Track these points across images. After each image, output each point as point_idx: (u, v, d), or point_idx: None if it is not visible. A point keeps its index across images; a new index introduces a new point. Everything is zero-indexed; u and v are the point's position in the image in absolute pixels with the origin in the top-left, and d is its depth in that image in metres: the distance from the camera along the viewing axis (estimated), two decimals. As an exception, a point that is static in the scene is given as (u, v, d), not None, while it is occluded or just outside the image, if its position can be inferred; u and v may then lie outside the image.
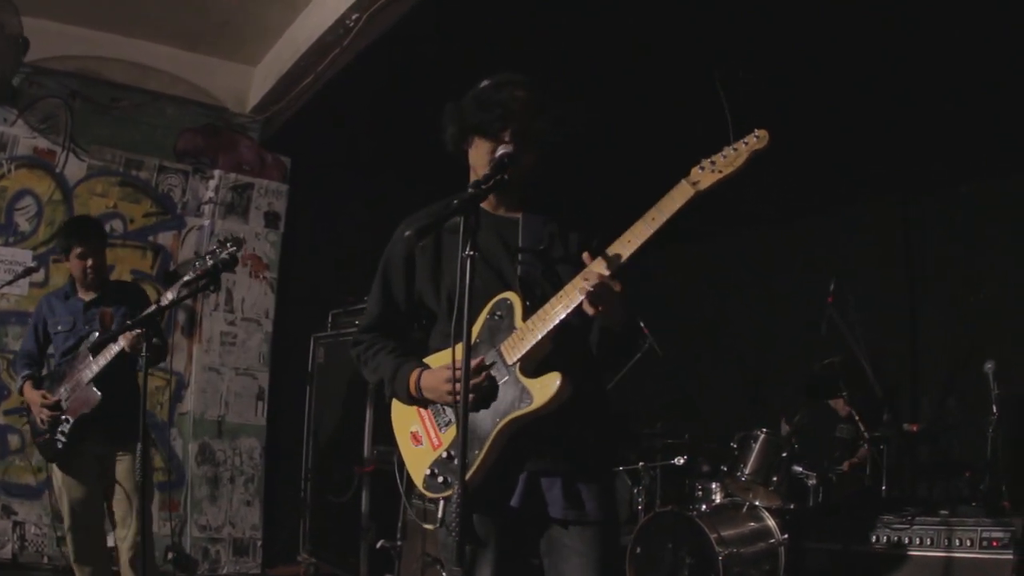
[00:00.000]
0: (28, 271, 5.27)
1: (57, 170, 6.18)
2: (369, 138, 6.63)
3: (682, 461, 5.29)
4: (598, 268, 2.15)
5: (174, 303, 3.77)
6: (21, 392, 4.45)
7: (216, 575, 6.44)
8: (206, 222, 6.75)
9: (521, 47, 4.65)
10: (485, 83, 2.40)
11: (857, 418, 4.90)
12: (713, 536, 4.39)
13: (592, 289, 2.09)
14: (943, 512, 4.11)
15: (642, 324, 5.32)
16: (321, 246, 7.19)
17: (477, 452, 2.22)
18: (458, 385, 2.18)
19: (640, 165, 5.87)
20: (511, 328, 2.28)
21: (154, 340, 4.12)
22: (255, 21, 6.05)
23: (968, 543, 3.91)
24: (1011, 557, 3.77)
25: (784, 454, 4.73)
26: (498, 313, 2.32)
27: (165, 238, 6.62)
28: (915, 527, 4.12)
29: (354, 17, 5.10)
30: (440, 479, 2.36)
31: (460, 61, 4.89)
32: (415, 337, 2.62)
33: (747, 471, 4.75)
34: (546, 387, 2.18)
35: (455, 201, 2.06)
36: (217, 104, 6.79)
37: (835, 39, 4.61)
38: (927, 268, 6.26)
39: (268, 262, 6.96)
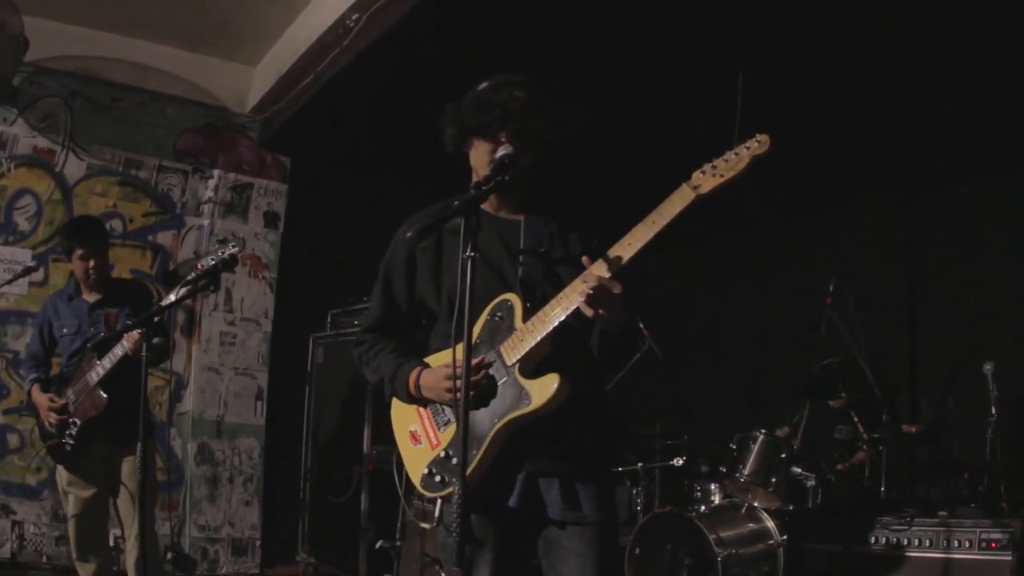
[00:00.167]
0: (27, 270, 5.28)
1: (57, 169, 6.17)
2: (369, 138, 6.63)
3: (681, 462, 5.29)
4: (598, 270, 2.15)
5: (174, 304, 3.76)
6: (29, 395, 4.45)
7: (215, 575, 6.44)
8: (205, 222, 6.74)
9: (522, 47, 4.66)
10: (484, 84, 2.41)
11: (856, 419, 4.90)
12: (712, 537, 4.39)
13: (591, 291, 2.10)
14: (942, 513, 4.12)
15: (641, 325, 5.33)
16: (320, 246, 7.19)
17: (475, 452, 2.22)
18: (457, 383, 2.20)
19: (642, 166, 5.89)
20: (511, 329, 2.29)
21: (155, 340, 4.12)
22: (255, 21, 6.05)
23: (967, 544, 3.92)
24: (1010, 558, 3.78)
25: (783, 455, 4.73)
26: (498, 314, 2.33)
27: (164, 238, 6.61)
28: (914, 528, 4.12)
29: (354, 17, 5.10)
30: (438, 478, 2.37)
31: (460, 61, 4.89)
32: (417, 338, 2.62)
33: (746, 472, 4.75)
34: (544, 388, 2.19)
35: (455, 202, 2.07)
36: (217, 104, 6.79)
37: (835, 39, 4.61)
38: (927, 269, 6.26)
39: (267, 262, 6.96)
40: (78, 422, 4.20)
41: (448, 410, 2.40)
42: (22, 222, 6.02)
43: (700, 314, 7.64)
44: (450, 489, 2.33)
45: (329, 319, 6.70)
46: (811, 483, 4.75)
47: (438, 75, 5.21)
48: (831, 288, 5.19)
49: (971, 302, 5.84)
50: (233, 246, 3.65)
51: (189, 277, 3.77)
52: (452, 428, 2.38)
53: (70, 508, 4.33)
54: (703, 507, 4.89)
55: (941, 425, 5.44)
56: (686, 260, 6.90)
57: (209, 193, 6.77)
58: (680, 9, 4.50)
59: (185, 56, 6.56)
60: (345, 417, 6.24)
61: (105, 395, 4.11)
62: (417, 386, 2.40)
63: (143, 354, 3.55)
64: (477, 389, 2.24)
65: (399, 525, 5.02)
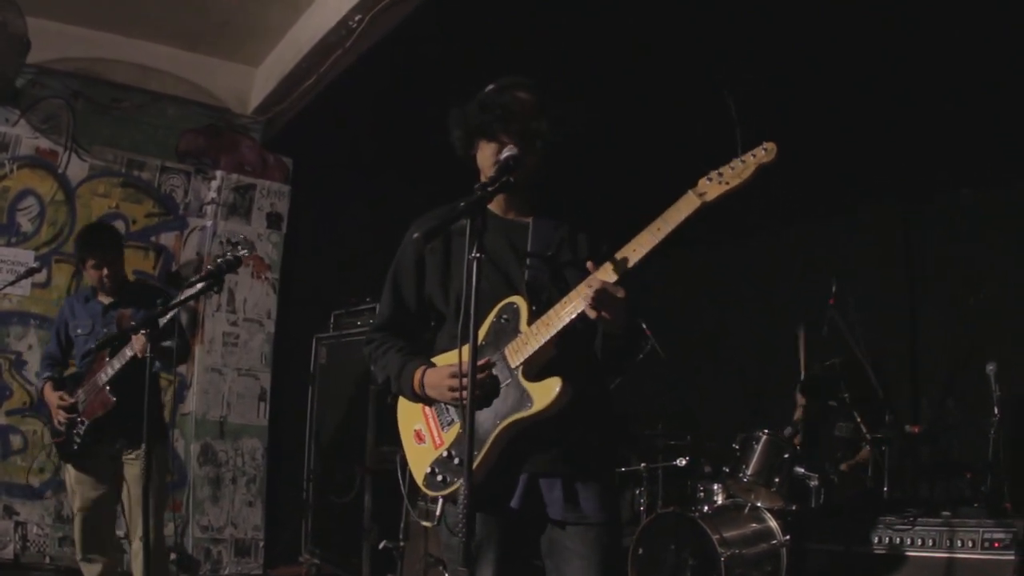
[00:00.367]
0: (30, 271, 5.30)
1: (59, 170, 6.18)
2: (371, 139, 6.63)
3: (684, 462, 5.29)
4: (602, 275, 2.16)
5: (176, 305, 3.77)
6: (42, 392, 4.48)
7: None
8: (208, 223, 6.75)
9: (525, 48, 4.67)
10: (490, 87, 2.42)
11: (859, 419, 4.90)
12: (715, 537, 4.39)
13: (595, 295, 2.11)
14: (945, 513, 4.12)
15: (644, 326, 5.33)
16: (323, 247, 7.20)
17: (477, 453, 2.23)
18: (457, 382, 2.25)
19: (649, 169, 5.90)
20: (516, 332, 2.30)
21: (167, 343, 4.19)
22: (257, 22, 6.06)
23: (970, 544, 3.92)
24: (1013, 558, 3.79)
25: (786, 455, 4.73)
26: (504, 316, 2.34)
27: (167, 239, 6.62)
28: (917, 528, 4.12)
29: (357, 18, 5.11)
30: (439, 478, 2.39)
31: (462, 62, 4.90)
32: (425, 338, 2.64)
33: (749, 472, 4.75)
34: (547, 392, 2.21)
35: (461, 204, 2.08)
36: (219, 105, 6.80)
37: (836, 42, 4.61)
38: (927, 270, 6.26)
39: (270, 263, 6.96)
40: (86, 421, 4.23)
41: (452, 410, 2.41)
42: (25, 223, 6.03)
43: (703, 315, 7.64)
44: (452, 488, 2.35)
45: (332, 320, 6.70)
46: (814, 483, 4.75)
47: (440, 76, 5.22)
48: (833, 289, 5.20)
49: (971, 303, 5.84)
50: (242, 248, 3.67)
51: (193, 278, 3.79)
52: (455, 428, 2.40)
53: (76, 507, 4.35)
54: (706, 507, 4.89)
55: (943, 425, 5.43)
56: (689, 262, 6.90)
57: (212, 194, 6.78)
58: (682, 11, 4.51)
59: (187, 57, 6.57)
60: (348, 418, 6.25)
61: (112, 395, 4.13)
62: (422, 384, 2.42)
63: (147, 355, 3.56)
64: (480, 389, 2.24)
65: (402, 525, 5.02)
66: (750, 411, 6.77)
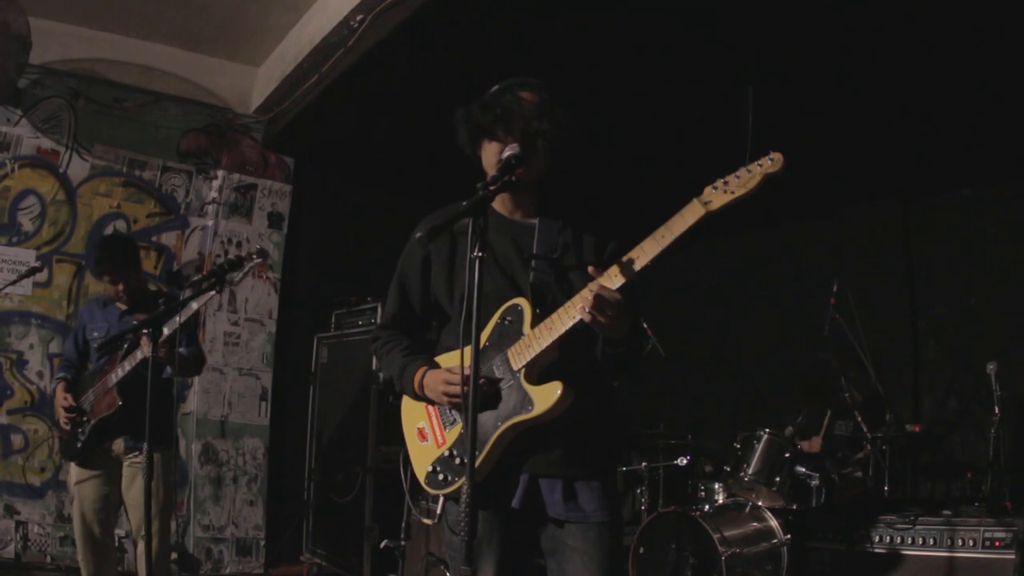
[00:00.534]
0: (32, 271, 5.30)
1: (61, 170, 6.18)
2: (373, 139, 6.64)
3: (685, 461, 5.30)
4: (604, 281, 2.17)
5: (176, 306, 3.78)
6: (54, 392, 4.50)
7: (219, 575, 6.45)
8: (209, 222, 6.75)
9: (528, 49, 4.68)
10: (495, 87, 2.44)
11: (859, 418, 4.91)
12: (716, 536, 4.39)
13: (593, 303, 2.12)
14: (945, 512, 4.13)
15: (645, 324, 5.33)
16: (324, 247, 7.21)
17: (478, 453, 2.24)
18: (454, 388, 2.29)
19: (658, 172, 5.92)
20: (519, 334, 2.31)
21: (181, 349, 4.25)
22: (258, 22, 6.07)
23: (971, 543, 3.93)
24: (1013, 557, 3.80)
25: (787, 455, 4.74)
26: (508, 318, 2.36)
27: (169, 238, 6.62)
28: (917, 527, 4.13)
29: (358, 18, 5.11)
30: (441, 476, 2.41)
31: (464, 63, 4.93)
32: (430, 338, 2.65)
33: (750, 471, 4.76)
34: (547, 395, 2.23)
35: (464, 203, 2.08)
36: (220, 105, 6.80)
37: (837, 40, 4.62)
38: (928, 269, 6.26)
39: (271, 263, 6.96)
40: (92, 420, 4.25)
41: (455, 409, 2.43)
42: (26, 223, 6.03)
43: (704, 314, 7.64)
44: (453, 487, 2.37)
45: (333, 319, 6.71)
46: (815, 482, 4.76)
47: (442, 76, 5.24)
48: (834, 288, 5.21)
49: (972, 302, 5.85)
50: (257, 257, 3.75)
51: (195, 278, 3.80)
52: (457, 428, 2.42)
53: (77, 506, 4.36)
54: (707, 507, 4.88)
55: (944, 424, 5.44)
56: (691, 260, 6.90)
57: (213, 194, 6.78)
58: (681, 9, 4.52)
59: (188, 57, 6.58)
60: (349, 417, 6.25)
61: (120, 396, 4.16)
62: (421, 385, 2.44)
63: (150, 354, 3.57)
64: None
65: (404, 525, 5.02)
66: (750, 403, 6.78)
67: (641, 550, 4.75)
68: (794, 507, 4.73)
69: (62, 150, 6.20)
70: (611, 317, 2.14)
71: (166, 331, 3.95)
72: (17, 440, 5.85)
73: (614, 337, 2.26)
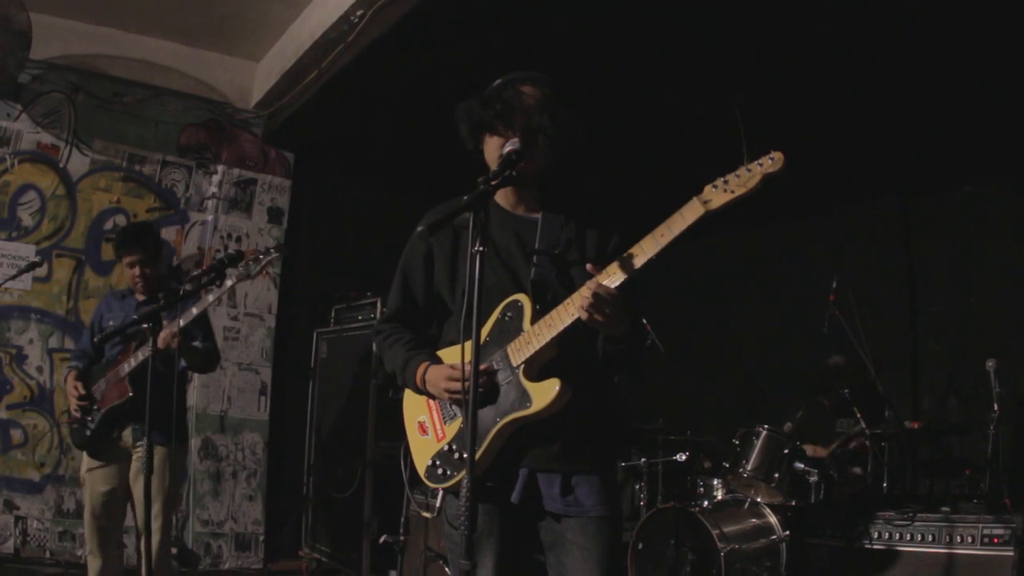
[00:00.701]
0: (31, 266, 5.33)
1: (60, 165, 6.18)
2: (372, 134, 6.63)
3: (684, 457, 5.30)
4: (603, 279, 2.18)
5: (174, 301, 3.79)
6: (66, 380, 4.52)
7: (218, 570, 6.45)
8: (209, 217, 6.75)
9: (529, 45, 4.67)
10: (497, 81, 2.43)
11: (859, 415, 4.91)
12: (715, 532, 4.40)
13: (591, 301, 2.13)
14: (944, 509, 4.13)
15: (644, 320, 5.33)
16: (324, 242, 7.21)
17: (477, 448, 2.25)
18: (455, 384, 2.30)
19: (660, 167, 5.91)
20: (519, 330, 2.32)
21: (196, 343, 4.34)
22: (259, 17, 6.07)
23: (969, 540, 3.93)
24: (1012, 554, 3.80)
25: (786, 451, 4.74)
26: (508, 314, 2.36)
27: (168, 233, 6.60)
28: (916, 524, 4.14)
29: (358, 14, 5.11)
30: (440, 471, 2.43)
31: (464, 58, 4.93)
32: (431, 332, 2.67)
33: (749, 467, 4.76)
34: (546, 393, 2.24)
35: (465, 198, 2.09)
36: (220, 100, 6.80)
37: (837, 38, 4.62)
38: (928, 266, 6.27)
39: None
40: (102, 409, 4.28)
41: (455, 405, 2.43)
42: (26, 217, 6.03)
43: (703, 310, 7.65)
44: (452, 481, 2.39)
45: (333, 314, 6.71)
46: (814, 479, 4.76)
47: (442, 72, 5.24)
48: (834, 285, 5.21)
49: (971, 300, 5.85)
50: (275, 251, 3.86)
51: (194, 273, 3.81)
52: (457, 422, 2.43)
53: (86, 500, 4.37)
54: (706, 503, 4.89)
55: (943, 421, 5.45)
56: (690, 257, 6.90)
57: (213, 189, 6.78)
58: (684, 9, 4.52)
59: (188, 52, 6.58)
60: (348, 412, 6.25)
61: (130, 386, 4.18)
62: (423, 380, 2.45)
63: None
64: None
65: (403, 520, 5.02)
66: (750, 399, 6.78)
67: (640, 546, 4.76)
68: (793, 503, 4.73)
69: (62, 145, 6.20)
70: (609, 316, 2.15)
71: (181, 323, 3.99)
72: (17, 435, 5.86)
73: (614, 335, 2.27)
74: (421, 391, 2.49)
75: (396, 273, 2.66)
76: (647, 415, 5.97)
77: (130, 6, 5.95)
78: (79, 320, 6.12)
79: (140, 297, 4.54)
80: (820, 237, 6.90)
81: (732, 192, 2.06)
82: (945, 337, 6.02)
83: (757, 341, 7.11)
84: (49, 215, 6.11)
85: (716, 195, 2.08)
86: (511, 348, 2.32)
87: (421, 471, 2.50)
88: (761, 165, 2.04)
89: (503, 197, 2.51)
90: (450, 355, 2.47)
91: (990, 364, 4.53)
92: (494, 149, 2.38)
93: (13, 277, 5.25)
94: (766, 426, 4.84)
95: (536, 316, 2.30)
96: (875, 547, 4.26)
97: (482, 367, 2.23)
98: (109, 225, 6.30)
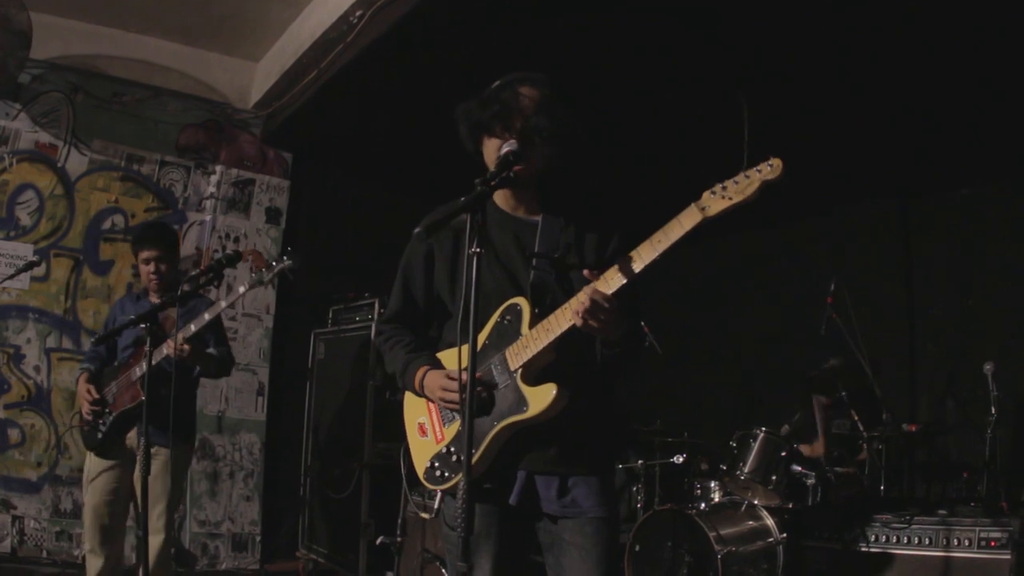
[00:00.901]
0: (29, 265, 5.30)
1: (59, 164, 6.18)
2: (371, 135, 6.63)
3: (681, 459, 5.30)
4: (600, 286, 2.17)
5: (173, 302, 3.79)
6: (77, 382, 4.53)
7: (215, 570, 6.45)
8: (207, 217, 6.75)
9: (527, 46, 4.67)
10: (497, 82, 2.43)
11: (856, 417, 4.91)
12: (712, 534, 4.39)
13: (586, 308, 2.12)
14: (941, 512, 4.13)
15: (642, 323, 5.33)
16: (322, 242, 7.20)
17: (474, 450, 2.25)
18: (452, 395, 2.31)
19: (660, 168, 5.90)
20: (517, 334, 2.32)
21: (210, 350, 4.34)
22: (258, 17, 6.07)
23: (966, 543, 3.93)
24: (1009, 557, 3.79)
25: (783, 453, 4.74)
26: (507, 318, 2.36)
27: (167, 233, 6.61)
28: (913, 527, 4.13)
29: (357, 14, 5.11)
30: (438, 472, 2.43)
31: (463, 59, 4.92)
32: (432, 334, 2.67)
33: (746, 470, 4.75)
34: (542, 397, 2.24)
35: (462, 199, 2.08)
36: (219, 100, 6.80)
37: (836, 39, 4.62)
38: (926, 268, 6.27)
39: (269, 257, 6.94)
40: (113, 413, 4.28)
41: (453, 408, 2.44)
42: (24, 217, 6.03)
43: (701, 312, 7.65)
44: (450, 483, 2.39)
45: (330, 315, 6.71)
46: (811, 481, 4.76)
47: (441, 73, 5.24)
48: (831, 287, 5.20)
49: (969, 303, 5.85)
50: (287, 259, 3.92)
51: (192, 273, 3.81)
52: (456, 425, 2.43)
53: (90, 498, 4.36)
54: (703, 505, 4.89)
55: (940, 424, 5.45)
56: (687, 258, 6.91)
57: (211, 189, 6.78)
58: (684, 9, 4.52)
59: (187, 51, 6.58)
60: (346, 413, 6.25)
61: (142, 390, 4.15)
62: (422, 384, 2.45)
63: (148, 349, 3.57)
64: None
65: (400, 521, 5.02)
66: (747, 401, 6.78)
67: (637, 548, 4.75)
68: (790, 506, 4.73)
69: (60, 144, 6.20)
70: (604, 322, 2.15)
71: (193, 328, 3.99)
72: (14, 434, 5.85)
73: (610, 339, 2.27)
74: (420, 394, 2.49)
75: (397, 274, 2.66)
76: (644, 416, 5.96)
77: (130, 6, 5.95)
78: (77, 320, 6.12)
79: (154, 299, 4.50)
80: (819, 238, 6.89)
81: (730, 199, 2.05)
82: (943, 338, 6.01)
83: (755, 342, 7.11)
84: (47, 215, 6.10)
85: (714, 202, 2.06)
86: (509, 352, 2.32)
87: (420, 472, 2.50)
88: (760, 172, 2.03)
89: (503, 199, 2.51)
90: (450, 357, 2.47)
91: (987, 367, 4.52)
92: (492, 151, 2.37)
93: (11, 276, 5.23)
94: (763, 428, 4.83)
95: (535, 320, 2.30)
96: (872, 550, 4.25)
97: (477, 376, 2.23)
98: (107, 225, 6.30)
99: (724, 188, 2.06)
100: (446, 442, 2.43)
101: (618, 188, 6.56)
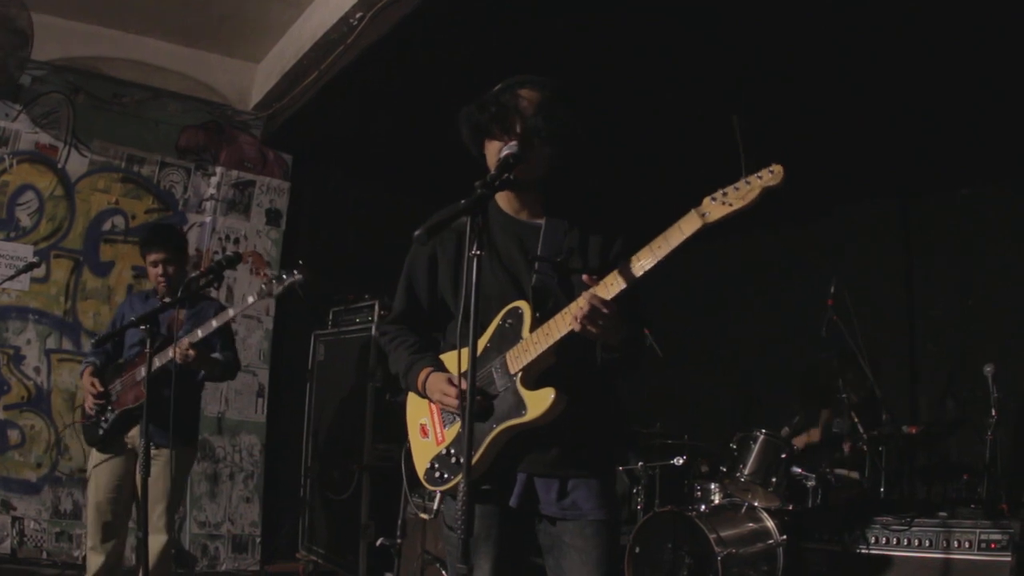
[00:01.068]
0: (29, 266, 5.31)
1: (59, 165, 6.17)
2: (371, 136, 6.63)
3: (681, 461, 5.30)
4: (599, 291, 2.17)
5: (173, 303, 3.79)
6: (82, 375, 4.54)
7: (215, 572, 6.44)
8: (207, 219, 6.75)
9: (527, 47, 4.67)
10: (499, 85, 2.43)
11: (855, 419, 4.90)
12: (712, 536, 4.39)
13: (586, 312, 2.13)
14: (942, 514, 4.13)
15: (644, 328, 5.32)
16: (322, 244, 7.20)
17: (474, 452, 2.25)
18: (451, 400, 2.32)
19: (661, 169, 5.90)
20: (517, 337, 2.32)
21: (215, 354, 4.37)
22: (258, 18, 6.07)
23: (967, 545, 3.93)
24: (1009, 559, 3.80)
25: (783, 455, 4.74)
26: (509, 321, 2.37)
27: (167, 234, 6.61)
28: (914, 529, 4.13)
29: (358, 16, 5.11)
30: (438, 474, 2.44)
31: (463, 61, 4.92)
32: (436, 336, 2.68)
33: (746, 472, 4.75)
34: (541, 401, 2.24)
35: (463, 202, 2.07)
36: (219, 101, 6.80)
37: (836, 39, 4.62)
38: (926, 269, 6.26)
39: (269, 259, 6.96)
40: (116, 410, 4.29)
41: (454, 410, 2.44)
42: (24, 218, 6.03)
43: (701, 314, 7.64)
44: (450, 485, 2.40)
45: (330, 317, 6.70)
46: (811, 483, 4.76)
47: (441, 74, 5.24)
48: (832, 288, 5.20)
49: (970, 303, 5.85)
50: (298, 272, 4.05)
51: (192, 275, 3.81)
52: (456, 426, 2.44)
53: (92, 495, 4.37)
54: (703, 507, 4.88)
55: (941, 426, 5.44)
56: (688, 260, 6.91)
57: (211, 190, 6.78)
58: (684, 9, 4.51)
59: (188, 53, 6.58)
60: (346, 414, 6.25)
61: (145, 391, 4.15)
62: (424, 386, 2.46)
63: (147, 350, 3.58)
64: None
65: (400, 523, 5.02)
66: (747, 403, 6.77)
67: (637, 550, 4.75)
68: (790, 508, 4.73)
69: (61, 145, 6.20)
70: (603, 327, 2.15)
71: (200, 334, 4.01)
72: (14, 435, 5.85)
73: (611, 345, 2.27)
74: (423, 396, 2.50)
75: (401, 275, 2.67)
76: (645, 418, 5.96)
77: (130, 7, 5.95)
78: (77, 321, 6.12)
79: (165, 300, 4.49)
80: (819, 239, 6.89)
81: (731, 205, 2.04)
82: (943, 339, 6.01)
83: (755, 344, 7.10)
84: (47, 216, 6.10)
85: (714, 208, 2.05)
86: (510, 355, 2.32)
87: (421, 473, 2.51)
88: (760, 178, 2.02)
89: (506, 202, 2.51)
90: (452, 359, 2.46)
91: (988, 369, 4.52)
92: (494, 153, 2.37)
93: (11, 278, 5.23)
94: (764, 430, 4.83)
95: (536, 324, 2.30)
96: (872, 552, 4.25)
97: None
98: (107, 226, 6.30)
99: (725, 194, 2.05)
100: (446, 443, 2.44)
101: (618, 189, 6.56)
